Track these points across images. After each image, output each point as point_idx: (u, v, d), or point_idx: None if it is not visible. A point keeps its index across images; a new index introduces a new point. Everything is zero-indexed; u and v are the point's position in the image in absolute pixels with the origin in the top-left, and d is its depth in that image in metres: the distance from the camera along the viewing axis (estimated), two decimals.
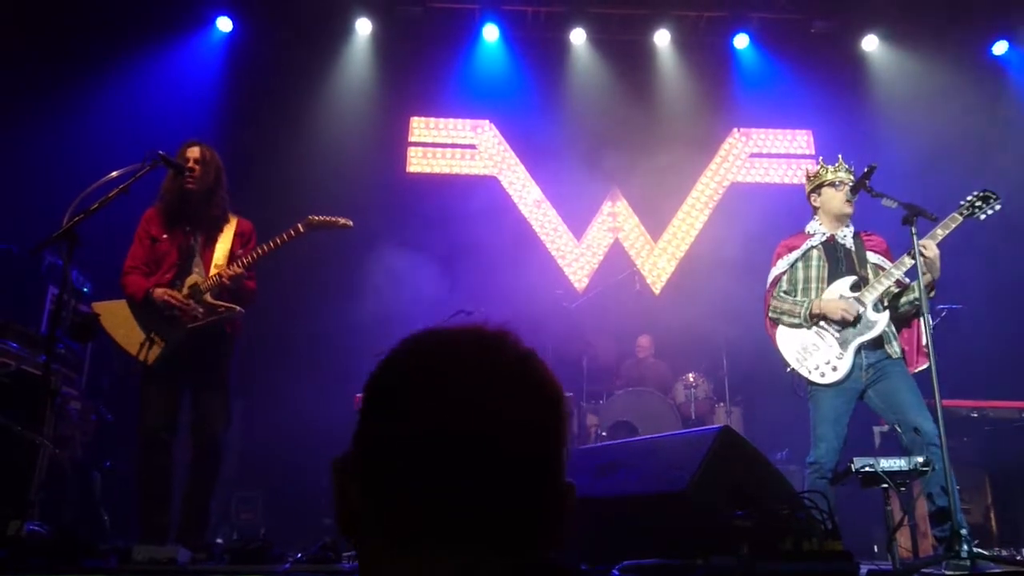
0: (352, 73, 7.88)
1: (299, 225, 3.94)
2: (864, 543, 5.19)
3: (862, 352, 3.90)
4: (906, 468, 3.18)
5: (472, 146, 8.18)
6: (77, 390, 5.31)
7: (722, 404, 6.54)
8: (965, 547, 3.15)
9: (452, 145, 8.16)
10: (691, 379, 6.66)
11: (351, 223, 4.09)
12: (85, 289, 5.59)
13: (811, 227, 4.25)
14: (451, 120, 8.21)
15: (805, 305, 4.03)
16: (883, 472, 3.16)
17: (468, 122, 8.22)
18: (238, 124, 7.40)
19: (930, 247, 3.75)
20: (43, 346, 3.98)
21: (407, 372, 0.82)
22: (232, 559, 3.52)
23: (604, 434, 6.24)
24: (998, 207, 3.81)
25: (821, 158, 4.34)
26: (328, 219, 4.00)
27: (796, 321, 4.06)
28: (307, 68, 7.78)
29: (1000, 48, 7.78)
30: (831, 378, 3.88)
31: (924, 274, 3.74)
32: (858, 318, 3.90)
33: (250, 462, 6.27)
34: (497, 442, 0.77)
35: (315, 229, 3.97)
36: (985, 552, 3.60)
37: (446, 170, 8.08)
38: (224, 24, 7.64)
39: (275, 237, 3.91)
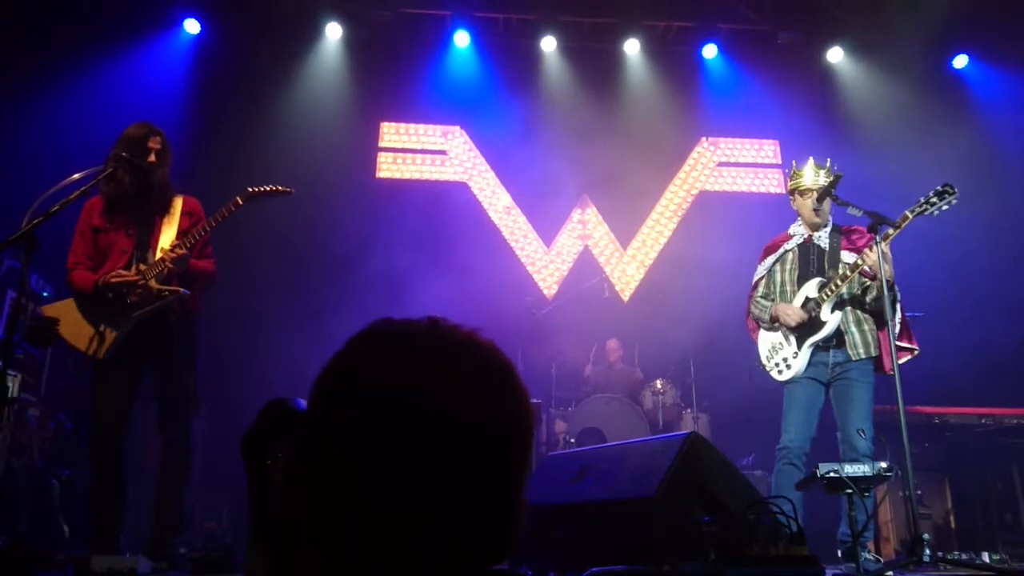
0: (322, 78, 7.82)
1: (238, 198, 3.86)
2: (828, 547, 5.24)
3: (830, 351, 4.06)
4: (870, 473, 3.22)
5: (442, 152, 8.16)
6: (36, 396, 5.19)
7: (689, 410, 6.58)
8: (927, 552, 3.21)
9: (422, 151, 8.14)
10: (659, 386, 6.69)
11: (291, 189, 4.03)
12: (45, 293, 5.47)
13: (793, 228, 4.38)
14: (421, 126, 8.18)
15: (767, 311, 4.26)
16: (847, 478, 3.20)
17: (438, 128, 8.20)
18: (205, 127, 7.31)
19: (868, 255, 3.82)
20: (0, 351, 3.87)
21: (362, 372, 0.80)
22: (194, 568, 3.45)
23: (573, 441, 6.24)
24: (954, 201, 3.82)
25: (794, 162, 4.39)
26: (265, 188, 3.94)
27: (766, 325, 4.30)
28: (276, 72, 7.71)
29: (960, 62, 7.95)
30: (786, 375, 4.13)
31: (874, 277, 3.87)
32: (812, 317, 4.05)
33: (215, 469, 6.16)
34: (454, 449, 0.75)
35: (254, 199, 3.89)
36: (946, 556, 3.66)
37: (416, 176, 8.05)
38: (192, 26, 7.54)
39: (215, 214, 3.83)
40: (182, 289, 3.76)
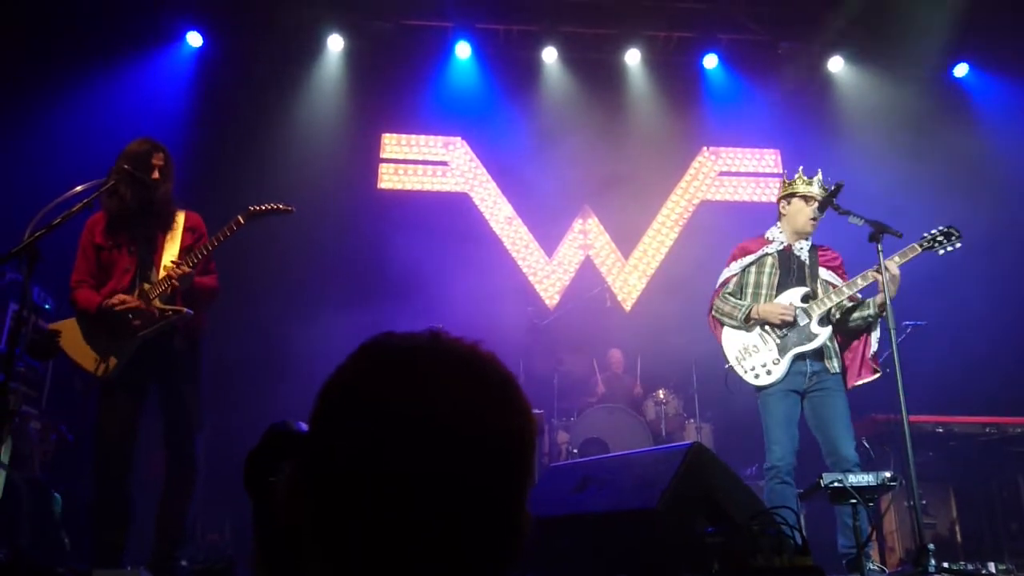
0: (324, 89, 7.85)
1: (239, 217, 3.86)
2: (827, 559, 5.22)
3: (807, 361, 4.03)
4: (874, 483, 3.21)
5: (444, 163, 8.18)
6: (37, 409, 5.19)
7: (692, 420, 6.56)
8: (932, 561, 3.19)
9: (424, 162, 8.15)
10: (661, 396, 6.67)
11: (292, 208, 4.02)
12: (47, 306, 5.47)
13: (771, 233, 4.33)
14: (423, 137, 8.20)
15: (743, 308, 4.15)
16: (852, 487, 3.18)
17: (440, 139, 8.21)
18: (208, 140, 7.33)
19: (890, 268, 3.82)
20: (2, 364, 3.88)
21: (365, 384, 0.80)
22: None
23: (575, 451, 6.23)
24: (958, 245, 3.91)
25: (801, 168, 4.38)
26: (267, 207, 3.93)
27: (734, 324, 4.20)
28: (278, 84, 7.74)
29: (961, 70, 7.97)
30: (764, 380, 4.04)
31: (880, 291, 3.84)
32: (799, 327, 4.02)
33: (217, 481, 6.14)
34: (457, 461, 0.76)
35: (256, 218, 3.90)
36: (951, 566, 3.65)
37: (418, 187, 8.06)
38: (194, 39, 7.57)
39: (217, 233, 3.83)
40: (185, 308, 3.76)
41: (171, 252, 3.84)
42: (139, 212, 3.79)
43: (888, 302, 3.73)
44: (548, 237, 8.11)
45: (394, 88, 8.02)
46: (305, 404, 0.88)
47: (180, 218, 3.95)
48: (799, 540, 2.68)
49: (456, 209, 7.96)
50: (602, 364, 7.31)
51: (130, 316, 3.70)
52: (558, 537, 3.04)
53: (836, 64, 8.05)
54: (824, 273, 4.18)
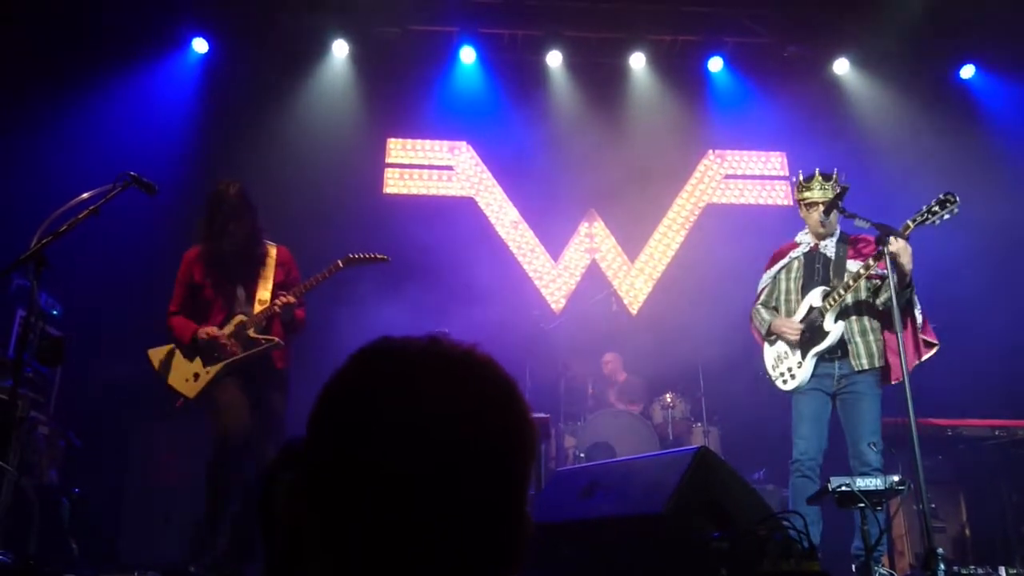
0: (329, 95, 7.86)
1: (339, 262, 4.13)
2: (842, 561, 5.19)
3: (835, 363, 4.05)
4: (882, 487, 3.20)
5: (449, 167, 8.19)
6: (45, 414, 5.20)
7: (699, 424, 6.54)
8: (942, 566, 3.17)
9: (429, 166, 8.16)
10: (668, 399, 6.65)
11: (388, 258, 4.29)
12: (54, 312, 5.50)
13: (799, 236, 4.39)
14: (428, 141, 8.20)
15: (765, 324, 4.29)
16: (859, 491, 3.17)
17: (445, 143, 8.22)
18: (213, 145, 7.35)
19: (894, 243, 3.76)
20: (10, 370, 3.92)
21: (363, 388, 0.80)
22: None
23: (582, 456, 6.21)
24: (956, 211, 3.79)
25: (801, 172, 4.39)
26: (366, 256, 4.20)
27: (763, 336, 4.33)
28: (284, 89, 7.75)
29: (967, 72, 7.94)
30: (790, 385, 4.13)
31: (884, 278, 3.84)
32: (816, 327, 4.04)
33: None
34: (455, 464, 0.76)
35: (353, 265, 4.16)
36: (961, 570, 3.63)
37: (423, 191, 8.07)
38: (200, 45, 7.59)
39: (316, 275, 4.07)
40: (277, 339, 3.96)
41: (265, 287, 4.06)
42: (226, 254, 3.99)
43: (893, 287, 3.71)
44: (554, 241, 8.10)
45: (399, 93, 8.02)
46: (308, 407, 0.89)
47: (272, 252, 4.17)
48: (807, 544, 2.66)
49: (461, 213, 7.96)
50: (599, 372, 7.29)
51: (220, 348, 3.91)
52: (565, 542, 3.03)
53: (842, 66, 8.03)
54: (853, 265, 4.15)
